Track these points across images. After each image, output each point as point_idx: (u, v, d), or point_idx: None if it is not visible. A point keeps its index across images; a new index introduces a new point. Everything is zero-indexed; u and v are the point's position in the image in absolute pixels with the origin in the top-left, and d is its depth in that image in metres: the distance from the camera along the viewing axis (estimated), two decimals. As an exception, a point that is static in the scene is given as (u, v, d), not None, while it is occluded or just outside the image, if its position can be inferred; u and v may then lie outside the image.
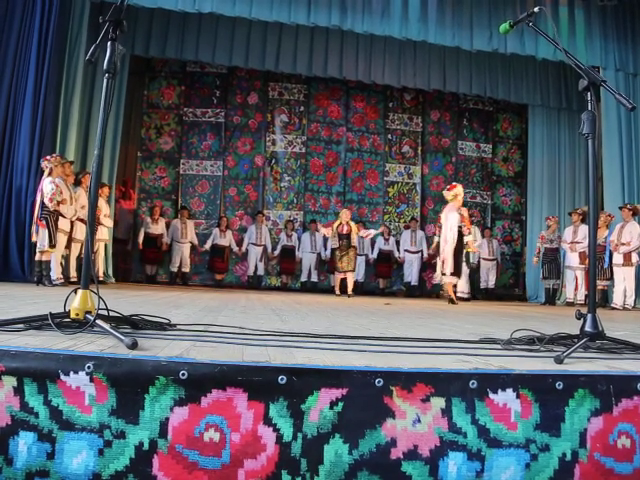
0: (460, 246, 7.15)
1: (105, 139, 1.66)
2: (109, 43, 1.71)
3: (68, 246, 6.84)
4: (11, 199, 6.86)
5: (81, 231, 6.89)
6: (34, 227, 6.22)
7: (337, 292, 8.73)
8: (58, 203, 6.22)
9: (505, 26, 2.24)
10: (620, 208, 8.16)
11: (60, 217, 6.36)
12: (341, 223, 8.60)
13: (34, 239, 6.22)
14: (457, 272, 7.15)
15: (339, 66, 9.94)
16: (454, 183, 7.94)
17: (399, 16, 8.17)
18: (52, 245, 6.16)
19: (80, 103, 7.89)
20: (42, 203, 6.15)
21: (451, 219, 7.13)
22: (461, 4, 8.44)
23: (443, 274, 7.19)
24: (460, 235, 7.14)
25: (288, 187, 10.82)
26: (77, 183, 7.06)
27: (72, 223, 6.75)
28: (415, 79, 10.20)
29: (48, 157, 6.36)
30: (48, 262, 6.26)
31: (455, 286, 7.48)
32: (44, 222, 6.11)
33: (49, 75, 7.09)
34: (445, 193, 7.58)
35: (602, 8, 8.81)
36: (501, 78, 10.44)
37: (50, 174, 6.22)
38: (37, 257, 6.21)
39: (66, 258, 6.94)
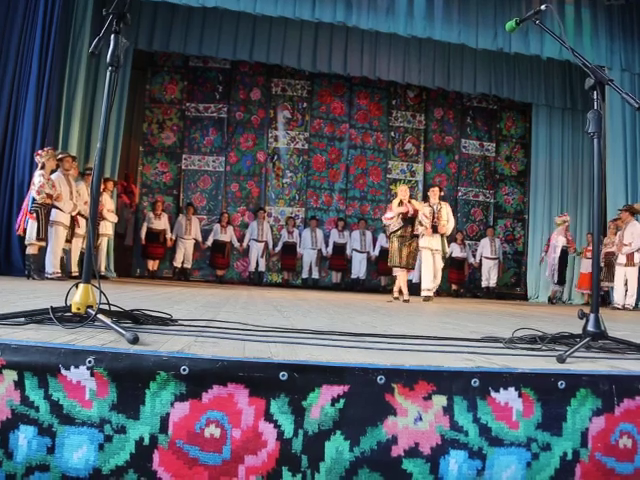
0: (565, 261, 9.43)
1: (108, 133, 1.65)
2: (112, 36, 1.70)
3: (70, 240, 6.85)
4: (13, 193, 6.86)
5: (83, 226, 6.89)
6: (21, 218, 6.19)
7: (395, 294, 6.82)
8: (49, 196, 6.17)
9: (511, 24, 2.23)
10: (620, 210, 8.20)
11: (58, 211, 6.34)
12: (402, 202, 6.68)
13: (19, 233, 6.20)
14: (561, 282, 9.62)
15: (343, 62, 9.93)
16: (565, 212, 9.99)
17: (404, 13, 8.15)
18: (40, 238, 6.12)
19: (83, 96, 7.88)
20: (33, 196, 6.14)
21: (560, 241, 9.33)
22: (467, 2, 8.41)
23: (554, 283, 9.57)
24: (565, 253, 9.39)
25: (290, 183, 10.81)
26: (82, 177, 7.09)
27: (75, 218, 6.76)
28: (420, 76, 10.19)
29: (40, 151, 6.35)
30: (36, 255, 6.21)
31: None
32: (34, 215, 6.09)
33: (52, 68, 7.08)
34: (556, 219, 9.69)
35: (609, 8, 8.78)
36: (506, 77, 10.41)
37: (43, 167, 6.20)
38: (28, 251, 6.19)
39: (67, 252, 6.95)
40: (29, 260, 6.20)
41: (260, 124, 10.77)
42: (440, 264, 7.13)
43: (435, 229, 7.00)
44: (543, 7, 2.15)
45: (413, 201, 6.81)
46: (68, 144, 7.58)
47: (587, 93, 1.98)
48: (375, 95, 11.12)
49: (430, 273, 6.99)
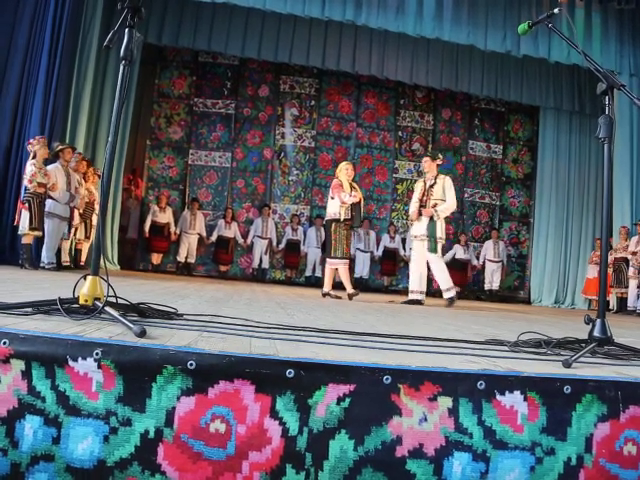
0: None
1: (119, 126, 1.66)
2: (126, 30, 1.71)
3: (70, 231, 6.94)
4: (20, 185, 6.88)
5: (76, 217, 6.99)
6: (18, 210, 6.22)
7: (327, 289, 5.93)
8: (42, 185, 6.14)
9: (524, 26, 2.23)
10: (635, 224, 8.42)
11: (54, 202, 6.34)
12: (351, 186, 5.79)
13: (17, 223, 6.21)
14: None
15: (352, 60, 9.94)
16: None
17: (414, 13, 8.15)
18: (32, 228, 6.09)
19: (91, 91, 7.91)
20: (25, 186, 6.15)
21: None
22: (476, 3, 8.39)
23: None
24: None
25: (296, 181, 10.82)
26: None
27: (73, 209, 6.82)
28: (427, 77, 10.19)
29: (31, 140, 6.34)
30: (29, 245, 6.18)
31: None
32: (26, 204, 6.09)
33: (61, 63, 7.09)
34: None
35: (619, 12, 8.75)
36: (513, 79, 10.40)
37: (35, 157, 6.20)
38: (23, 240, 6.16)
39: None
40: (22, 250, 6.21)
41: (267, 121, 10.78)
42: (426, 256, 5.63)
43: (421, 212, 5.68)
44: (556, 10, 2.15)
45: (354, 184, 5.92)
46: (75, 138, 7.60)
47: (595, 97, 1.99)
48: (383, 95, 11.11)
49: (415, 270, 5.80)
